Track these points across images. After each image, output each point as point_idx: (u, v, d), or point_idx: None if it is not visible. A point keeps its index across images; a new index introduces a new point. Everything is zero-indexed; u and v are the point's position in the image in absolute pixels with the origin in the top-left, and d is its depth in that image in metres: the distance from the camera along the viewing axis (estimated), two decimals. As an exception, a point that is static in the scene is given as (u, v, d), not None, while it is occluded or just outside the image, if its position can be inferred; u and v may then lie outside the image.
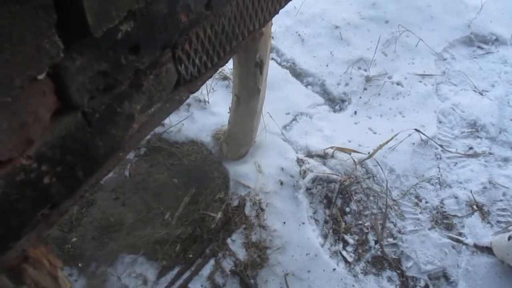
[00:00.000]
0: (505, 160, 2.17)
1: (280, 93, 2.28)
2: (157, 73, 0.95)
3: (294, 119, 2.21)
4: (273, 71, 2.34)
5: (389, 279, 1.82)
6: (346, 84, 2.35)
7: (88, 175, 0.90)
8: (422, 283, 1.83)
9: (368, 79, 2.35)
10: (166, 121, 2.12)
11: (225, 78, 2.31)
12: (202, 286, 1.72)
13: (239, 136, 1.88)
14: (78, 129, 0.81)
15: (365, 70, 2.41)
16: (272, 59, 2.48)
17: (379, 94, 2.32)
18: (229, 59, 1.20)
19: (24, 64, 0.60)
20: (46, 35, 0.61)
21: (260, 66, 1.51)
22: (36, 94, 0.69)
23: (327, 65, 2.42)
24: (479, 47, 2.60)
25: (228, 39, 1.14)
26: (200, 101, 2.21)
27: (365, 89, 2.34)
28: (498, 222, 1.99)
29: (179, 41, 0.96)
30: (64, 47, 0.65)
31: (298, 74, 2.42)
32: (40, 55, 0.62)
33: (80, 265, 1.74)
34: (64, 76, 0.70)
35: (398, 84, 2.37)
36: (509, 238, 1.82)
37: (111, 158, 0.95)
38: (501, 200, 2.04)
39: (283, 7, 1.34)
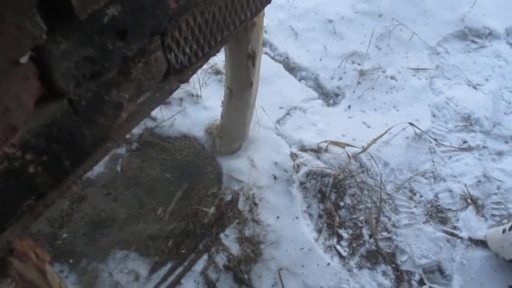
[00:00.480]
0: (499, 153, 2.17)
1: (273, 88, 2.26)
2: (146, 61, 0.93)
3: (287, 114, 2.20)
4: (267, 65, 2.33)
5: (384, 273, 1.82)
6: (340, 78, 2.34)
7: (76, 165, 0.88)
8: (417, 277, 1.82)
9: (362, 73, 2.34)
10: (158, 115, 2.10)
11: (218, 72, 2.29)
12: (195, 281, 1.70)
13: (232, 130, 1.87)
14: (64, 116, 0.78)
15: (359, 64, 2.39)
16: (265, 53, 2.46)
17: (373, 88, 2.31)
18: (220, 48, 1.18)
19: (4, 45, 0.58)
20: (27, 15, 0.59)
21: (252, 57, 1.49)
22: (19, 79, 0.66)
23: (320, 59, 2.40)
24: (472, 41, 2.60)
25: (219, 28, 1.12)
26: (192, 95, 2.18)
27: (359, 83, 2.33)
28: (493, 215, 1.99)
29: (169, 28, 0.94)
30: (47, 29, 0.63)
31: (291, 68, 2.41)
32: (22, 35, 0.59)
33: (71, 261, 1.71)
34: (48, 60, 0.68)
35: (392, 78, 2.36)
36: (503, 231, 1.82)
37: (99, 148, 0.93)
38: (495, 194, 2.04)
39: (275, -4, 1.32)
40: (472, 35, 2.61)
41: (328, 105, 2.27)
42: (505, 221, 1.94)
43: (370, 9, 2.60)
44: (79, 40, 0.72)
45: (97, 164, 0.95)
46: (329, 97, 2.31)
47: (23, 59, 0.63)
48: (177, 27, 0.97)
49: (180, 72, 1.08)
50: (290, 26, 2.57)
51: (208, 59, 1.16)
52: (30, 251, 0.92)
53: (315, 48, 2.45)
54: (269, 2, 1.29)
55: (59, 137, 0.79)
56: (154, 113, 2.10)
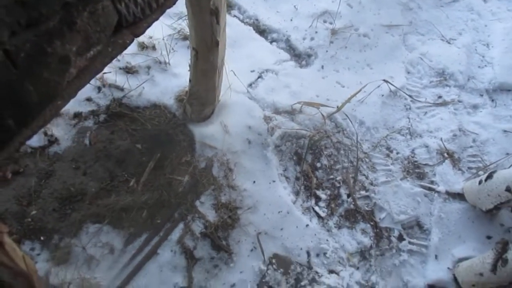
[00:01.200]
0: (474, 107, 2.17)
1: (244, 51, 2.20)
2: (92, 10, 0.87)
3: (259, 77, 2.15)
4: (236, 28, 2.26)
5: (363, 231, 1.82)
6: (312, 39, 2.29)
7: (22, 125, 0.82)
8: (396, 233, 1.83)
9: (334, 32, 2.29)
10: (126, 85, 2.03)
11: (185, 38, 2.21)
12: (172, 250, 1.67)
13: (201, 95, 1.81)
14: (1, 69, 0.72)
15: (331, 23, 2.34)
16: (234, 16, 2.39)
17: (346, 47, 2.27)
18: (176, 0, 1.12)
19: None
20: None
21: (216, 14, 1.43)
22: None
23: (291, 20, 2.34)
24: (445, -5, 2.57)
25: (173, -24, 1.05)
26: (160, 62, 2.11)
27: (331, 42, 2.28)
28: (469, 168, 2.00)
29: (113, -27, 0.88)
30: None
31: (262, 30, 2.35)
32: None
33: (42, 238, 1.66)
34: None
35: (364, 36, 2.32)
36: (479, 183, 1.83)
37: (47, 107, 0.87)
38: (471, 147, 2.05)
39: None
40: (444, -11, 2.58)
41: (301, 66, 2.22)
42: (481, 172, 1.95)
43: (340, -34, 2.53)
44: (5, -21, 0.65)
45: (46, 124, 0.89)
46: (302, 58, 2.26)
47: None
48: (125, -28, 0.90)
49: (133, 25, 1.02)
50: (258, -14, 2.49)
51: (164, 11, 1.10)
52: (-19, 222, 0.87)
53: (285, 9, 2.39)
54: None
55: (-4, 92, 0.73)
56: (121, 82, 2.02)
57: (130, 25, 1.01)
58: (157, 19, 1.08)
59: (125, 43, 1.01)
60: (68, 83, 0.89)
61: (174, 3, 1.11)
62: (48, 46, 0.80)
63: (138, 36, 1.04)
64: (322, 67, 2.20)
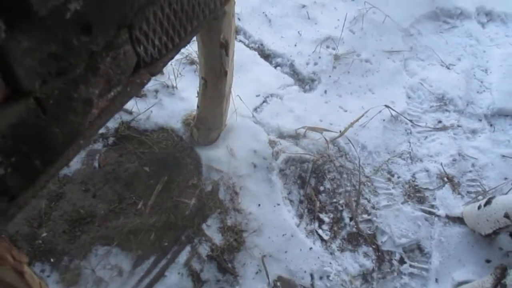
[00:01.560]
0: (473, 132, 2.22)
1: (249, 75, 2.26)
2: (114, 55, 0.92)
3: (264, 101, 2.20)
4: (242, 53, 2.32)
5: (365, 255, 1.85)
6: (315, 64, 2.35)
7: (47, 164, 0.87)
8: (398, 256, 1.86)
9: (337, 58, 2.35)
10: (134, 108, 2.08)
11: (192, 62, 2.27)
12: (179, 273, 1.71)
13: (209, 120, 1.86)
14: (32, 116, 0.77)
15: (334, 49, 2.40)
16: (240, 41, 2.45)
17: (349, 72, 2.33)
18: (191, 39, 1.17)
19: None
20: (-17, 14, 0.57)
21: (225, 46, 1.48)
22: (-20, 80, 0.65)
23: (295, 45, 2.41)
24: (444, 21, 2.64)
25: (188, 18, 1.11)
26: (168, 86, 2.16)
27: (334, 67, 2.34)
28: (469, 192, 2.04)
29: (136, 21, 0.93)
30: (6, 28, 0.61)
31: (266, 55, 2.40)
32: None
33: (52, 260, 1.70)
34: (9, 59, 0.67)
35: (366, 61, 2.38)
36: (479, 208, 1.87)
37: (71, 146, 0.92)
38: (470, 171, 2.09)
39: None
40: (443, 16, 2.65)
41: (305, 91, 2.28)
42: (480, 197, 2.00)
43: (342, -7, 2.61)
44: (41, 37, 0.70)
45: (69, 162, 0.94)
46: (305, 82, 2.32)
47: (-17, 60, 0.61)
48: (145, 19, 0.96)
49: (150, 65, 1.07)
50: (263, 12, 2.55)
51: (179, 50, 1.15)
52: (6, 254, 0.91)
53: (289, 34, 2.45)
54: (239, -10, 1.28)
55: (27, 137, 0.78)
56: (129, 106, 2.07)
57: (148, 65, 1.06)
58: (172, 58, 1.13)
59: (143, 82, 1.06)
60: (90, 123, 0.94)
61: (189, 43, 1.17)
62: (74, 92, 0.85)
63: (155, 75, 1.09)
64: (325, 91, 2.26)
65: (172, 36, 1.08)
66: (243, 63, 2.27)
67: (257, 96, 2.20)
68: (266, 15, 2.54)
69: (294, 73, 2.34)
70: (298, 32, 2.45)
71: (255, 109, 2.16)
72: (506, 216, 1.73)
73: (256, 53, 2.39)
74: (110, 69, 0.93)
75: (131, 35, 0.94)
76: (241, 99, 2.10)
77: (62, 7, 0.70)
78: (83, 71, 0.85)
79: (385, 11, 2.52)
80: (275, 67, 2.36)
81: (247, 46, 2.43)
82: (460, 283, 1.81)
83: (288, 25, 2.48)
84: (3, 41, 0.62)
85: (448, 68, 2.42)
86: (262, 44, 2.43)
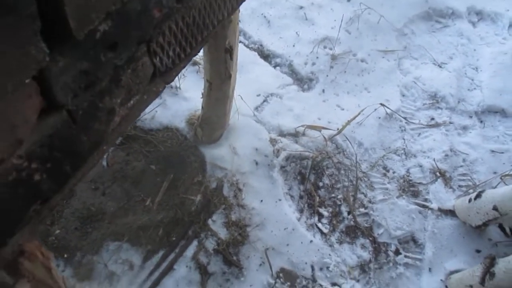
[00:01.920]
0: (464, 128, 2.31)
1: (250, 75, 2.33)
2: (134, 68, 0.99)
3: (265, 100, 2.27)
4: (242, 53, 2.36)
5: (363, 246, 1.94)
6: (313, 64, 2.42)
7: (76, 169, 0.94)
8: (393, 248, 1.96)
9: (334, 58, 2.43)
10: (140, 109, 2.14)
11: (195, 63, 2.34)
12: (187, 266, 1.79)
13: (213, 120, 1.93)
14: (64, 126, 0.84)
15: (331, 49, 2.48)
16: (240, 42, 2.51)
17: (345, 72, 2.40)
18: (201, 48, 1.24)
19: (14, 70, 0.64)
20: (32, 42, 0.64)
21: (230, 52, 1.56)
22: (24, 97, 0.72)
23: (293, 46, 2.48)
24: (437, 21, 2.71)
25: (199, 30, 1.17)
26: (171, 87, 2.23)
27: (331, 67, 2.41)
28: (460, 186, 2.13)
29: (153, 35, 1.00)
30: (49, 51, 0.68)
31: (266, 55, 2.47)
32: (28, 60, 0.65)
33: (65, 255, 1.77)
34: (48, 77, 0.74)
35: (362, 61, 2.46)
36: (469, 201, 1.97)
37: (95, 152, 0.99)
38: (461, 166, 2.18)
39: (250, -6, 1.38)
40: (436, 15, 2.72)
41: (303, 90, 2.35)
42: (471, 191, 2.09)
43: (339, -6, 2.68)
44: (75, 57, 0.77)
45: (94, 166, 1.01)
46: (304, 82, 2.39)
47: (28, 80, 0.69)
48: (161, 33, 1.03)
49: (165, 74, 1.14)
50: (262, 13, 2.62)
51: (191, 59, 1.22)
52: (37, 251, 0.99)
53: (287, 35, 2.52)
54: (244, 0, 1.35)
55: (60, 146, 0.85)
56: (135, 107, 2.13)
57: (162, 74, 1.13)
58: (184, 66, 1.20)
59: (158, 90, 1.13)
60: (112, 130, 1.01)
61: (199, 52, 1.24)
62: (100, 103, 0.92)
63: (169, 83, 1.16)
64: (323, 91, 2.34)
65: (184, 46, 1.15)
66: (244, 63, 2.34)
67: (257, 95, 2.27)
68: (265, 16, 2.61)
69: (293, 73, 2.42)
70: (296, 32, 2.52)
71: (256, 108, 2.23)
72: (495, 208, 1.82)
73: (256, 53, 2.46)
74: (130, 80, 1.00)
75: (149, 48, 1.01)
76: (242, 99, 2.17)
77: (94, 29, 0.77)
78: (107, 84, 0.92)
79: (380, 12, 2.59)
80: (274, 67, 2.43)
81: (247, 46, 2.50)
82: (452, 272, 1.91)
83: (286, 26, 2.55)
84: (47, 64, 0.69)
85: (440, 67, 2.51)
86: (261, 45, 2.49)
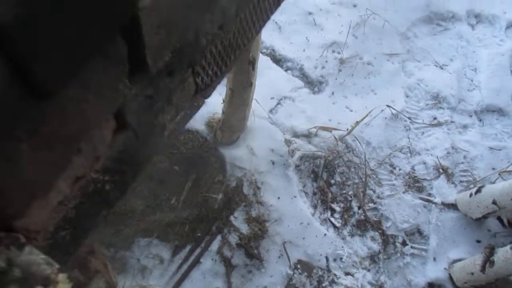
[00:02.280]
0: (464, 126, 2.44)
1: (263, 79, 2.44)
2: (182, 88, 1.11)
3: (278, 103, 2.40)
4: (255, 59, 2.50)
5: (372, 238, 2.08)
6: (323, 67, 2.54)
7: (135, 178, 1.07)
8: (400, 239, 2.10)
9: (342, 61, 2.55)
10: (162, 113, 2.26)
11: (211, 68, 2.45)
12: (212, 259, 1.92)
13: (233, 124, 2.06)
14: (130, 143, 0.97)
15: (339, 53, 2.60)
16: (253, 47, 2.63)
17: (353, 75, 2.53)
18: (234, 65, 1.37)
19: (107, 104, 0.77)
20: (122, 80, 0.77)
21: (252, 63, 1.68)
22: (104, 122, 0.85)
23: (304, 50, 2.59)
24: (438, 24, 2.83)
25: (233, 50, 1.30)
26: (191, 92, 2.35)
27: (339, 70, 2.54)
28: (461, 181, 2.27)
29: (198, 59, 1.12)
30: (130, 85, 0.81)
31: (278, 60, 2.59)
32: (117, 95, 0.78)
33: (100, 251, 1.90)
34: (123, 104, 0.86)
35: (369, 64, 2.58)
36: (470, 195, 2.11)
37: (148, 162, 1.12)
38: (462, 163, 2.32)
39: (274, 13, 1.50)
40: (437, 19, 2.84)
41: (314, 93, 2.48)
42: (471, 186, 2.23)
43: (345, 0, 2.79)
44: (144, 85, 0.90)
45: (143, 174, 1.14)
46: (314, 85, 2.52)
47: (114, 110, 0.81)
48: (204, 56, 1.15)
49: (204, 90, 1.26)
50: (273, 19, 2.73)
51: (225, 75, 1.34)
52: (99, 249, 1.12)
53: (298, 40, 2.63)
54: (269, 19, 1.47)
55: (127, 159, 0.98)
56: (157, 111, 2.25)
57: (202, 90, 1.26)
58: (220, 82, 1.33)
59: (199, 105, 1.26)
60: (162, 143, 1.14)
61: (232, 68, 1.36)
62: (155, 120, 1.05)
63: (207, 98, 1.29)
64: (333, 93, 2.46)
65: (221, 65, 1.27)
66: (259, 68, 2.45)
67: (271, 98, 2.40)
68: (276, 22, 2.72)
69: (304, 76, 2.54)
70: (306, 37, 2.64)
71: (271, 111, 2.36)
72: (494, 202, 1.96)
73: (269, 58, 2.57)
74: (179, 98, 1.13)
75: (193, 70, 1.14)
76: (257, 102, 2.29)
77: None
78: (161, 104, 1.05)
79: (384, 17, 2.71)
80: (286, 70, 2.55)
81: (260, 52, 2.61)
82: (455, 261, 2.05)
83: (296, 31, 2.66)
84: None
85: (442, 68, 2.63)
86: (273, 50, 2.61)
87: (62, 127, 0.67)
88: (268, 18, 1.46)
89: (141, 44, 0.78)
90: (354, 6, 2.78)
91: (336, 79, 2.51)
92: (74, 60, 0.64)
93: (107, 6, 0.61)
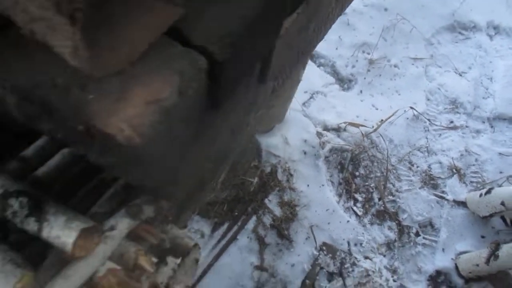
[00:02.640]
0: (478, 132, 2.62)
1: (298, 74, 2.58)
2: (264, 91, 1.27)
3: (311, 97, 2.54)
4: (291, 53, 2.63)
5: (389, 228, 2.28)
6: (353, 66, 2.68)
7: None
8: (414, 230, 2.29)
9: (371, 62, 2.69)
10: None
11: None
12: (248, 237, 2.10)
13: (274, 115, 2.21)
14: (228, 140, 1.13)
15: (369, 53, 2.73)
16: (288, 41, 2.75)
17: (380, 75, 2.68)
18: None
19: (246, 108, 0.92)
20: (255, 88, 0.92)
21: (304, 63, 1.82)
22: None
23: (336, 49, 2.72)
24: (460, 33, 2.97)
25: (293, 64, 1.44)
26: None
27: (368, 70, 2.68)
28: (471, 182, 2.46)
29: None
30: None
31: (311, 56, 2.72)
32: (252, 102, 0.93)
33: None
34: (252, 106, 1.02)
35: (395, 66, 2.72)
36: (480, 196, 2.29)
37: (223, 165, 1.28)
38: (473, 165, 2.51)
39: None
40: (459, 28, 2.98)
41: (344, 90, 2.63)
42: (480, 186, 2.42)
43: (377, 3, 2.90)
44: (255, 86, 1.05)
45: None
46: (344, 82, 2.66)
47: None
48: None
49: (276, 91, 1.42)
50: (308, 16, 2.84)
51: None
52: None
53: (331, 38, 2.75)
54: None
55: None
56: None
57: (274, 91, 1.41)
58: (283, 84, 1.48)
59: (273, 104, 1.41)
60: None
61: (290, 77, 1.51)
62: (247, 117, 1.20)
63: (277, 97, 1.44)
64: (361, 91, 2.61)
65: (287, 73, 1.42)
66: (293, 62, 2.59)
67: (305, 92, 2.54)
68: (311, 19, 2.83)
69: (335, 73, 2.68)
70: (339, 37, 2.76)
71: (304, 104, 2.50)
72: (502, 204, 2.16)
73: (303, 53, 2.70)
74: (263, 99, 1.28)
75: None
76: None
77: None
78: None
79: (412, 22, 2.84)
80: (319, 66, 2.68)
81: (295, 46, 2.74)
82: (461, 253, 2.24)
83: (331, 30, 2.76)
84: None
85: (461, 75, 2.79)
86: (307, 46, 2.73)
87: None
88: (325, 35, 1.61)
89: (268, 64, 0.93)
90: (385, 10, 2.90)
91: (364, 78, 2.65)
92: (240, 83, 0.80)
93: (264, 47, 0.77)
